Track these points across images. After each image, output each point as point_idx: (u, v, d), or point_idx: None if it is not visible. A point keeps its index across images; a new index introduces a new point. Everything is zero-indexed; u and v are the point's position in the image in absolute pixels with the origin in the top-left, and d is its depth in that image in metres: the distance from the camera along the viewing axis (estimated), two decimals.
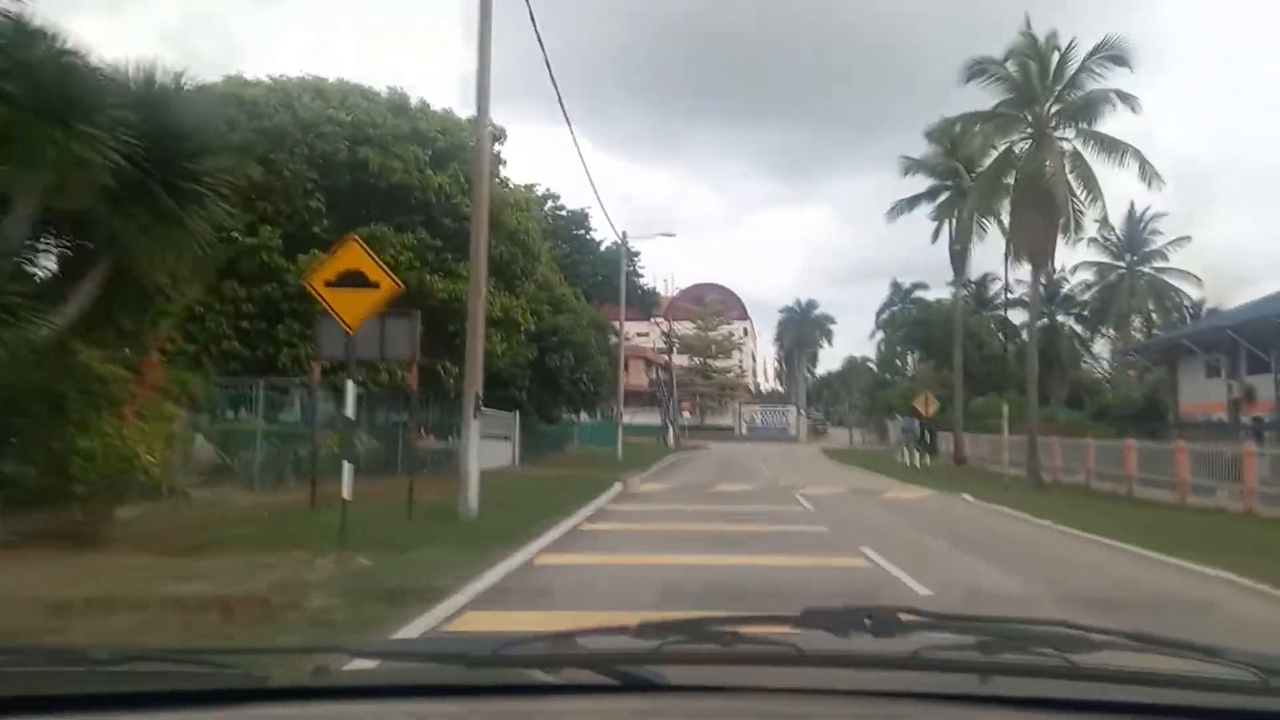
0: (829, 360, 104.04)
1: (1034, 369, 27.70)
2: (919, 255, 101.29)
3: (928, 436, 51.39)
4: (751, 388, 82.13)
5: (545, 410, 32.39)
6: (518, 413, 28.24)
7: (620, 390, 37.56)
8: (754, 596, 7.86)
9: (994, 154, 28.78)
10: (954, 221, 39.22)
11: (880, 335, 70.30)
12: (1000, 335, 54.32)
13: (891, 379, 65.15)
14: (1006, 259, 42.59)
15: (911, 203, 41.03)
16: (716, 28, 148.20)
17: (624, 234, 39.63)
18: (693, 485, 22.47)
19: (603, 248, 51.82)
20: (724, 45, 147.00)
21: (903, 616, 1.50)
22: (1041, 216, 25.51)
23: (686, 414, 62.48)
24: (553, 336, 30.30)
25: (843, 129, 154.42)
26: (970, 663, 1.44)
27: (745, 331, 79.93)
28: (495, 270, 18.98)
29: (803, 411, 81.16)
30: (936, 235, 41.89)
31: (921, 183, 40.17)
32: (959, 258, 40.87)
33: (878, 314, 68.17)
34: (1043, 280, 29.59)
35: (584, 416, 51.69)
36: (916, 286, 67.04)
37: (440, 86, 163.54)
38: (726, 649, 1.46)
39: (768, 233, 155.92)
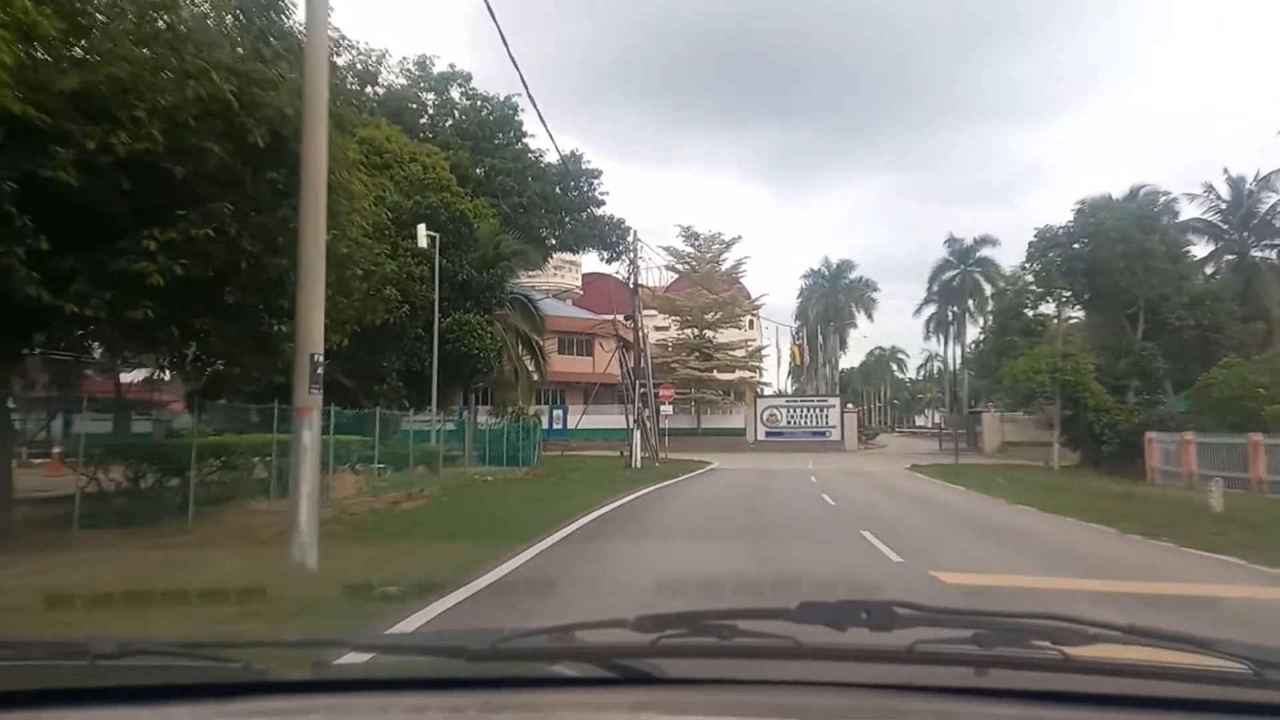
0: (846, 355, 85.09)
1: None
2: (919, 263, 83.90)
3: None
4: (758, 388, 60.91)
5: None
6: None
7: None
8: None
9: None
10: None
11: (932, 309, 63.54)
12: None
13: (1016, 344, 36.97)
14: None
15: None
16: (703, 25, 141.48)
17: None
18: None
19: (542, 162, 33.97)
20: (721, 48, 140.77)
21: (899, 610, 1.47)
22: None
23: (668, 408, 42.07)
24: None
25: (840, 132, 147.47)
26: (966, 656, 1.42)
27: (751, 324, 59.83)
28: None
29: (849, 407, 60.72)
30: None
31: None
32: None
33: (929, 282, 61.77)
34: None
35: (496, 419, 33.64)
36: (981, 242, 58.99)
37: None
38: (724, 642, 1.46)
39: (764, 239, 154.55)
